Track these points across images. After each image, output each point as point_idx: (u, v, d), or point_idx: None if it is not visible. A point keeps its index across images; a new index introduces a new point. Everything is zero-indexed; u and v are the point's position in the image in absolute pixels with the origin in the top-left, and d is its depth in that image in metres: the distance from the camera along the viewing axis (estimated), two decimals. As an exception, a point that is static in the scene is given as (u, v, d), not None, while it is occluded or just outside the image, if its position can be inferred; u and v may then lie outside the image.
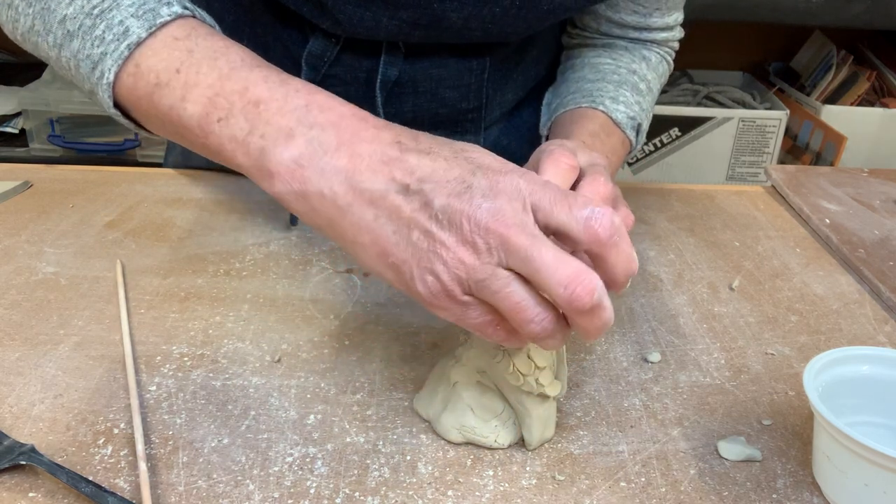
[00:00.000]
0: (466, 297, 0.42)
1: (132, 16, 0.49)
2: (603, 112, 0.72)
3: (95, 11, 0.50)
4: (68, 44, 0.52)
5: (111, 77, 0.49)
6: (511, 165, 0.44)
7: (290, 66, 0.76)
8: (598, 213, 0.41)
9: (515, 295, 0.41)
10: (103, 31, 0.50)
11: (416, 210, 0.42)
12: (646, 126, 0.76)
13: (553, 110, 0.77)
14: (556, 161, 0.50)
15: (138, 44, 0.49)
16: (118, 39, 0.49)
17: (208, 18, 0.53)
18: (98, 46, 0.50)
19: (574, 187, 0.51)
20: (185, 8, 0.51)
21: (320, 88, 0.47)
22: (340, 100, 0.47)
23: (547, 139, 0.75)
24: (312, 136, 0.44)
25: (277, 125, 0.45)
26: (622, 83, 0.75)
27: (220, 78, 0.47)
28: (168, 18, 0.49)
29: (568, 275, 0.40)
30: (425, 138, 0.45)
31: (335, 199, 0.44)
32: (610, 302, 0.42)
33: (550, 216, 0.42)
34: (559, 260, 0.40)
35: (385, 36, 0.72)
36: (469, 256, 0.41)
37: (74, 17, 0.51)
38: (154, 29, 0.49)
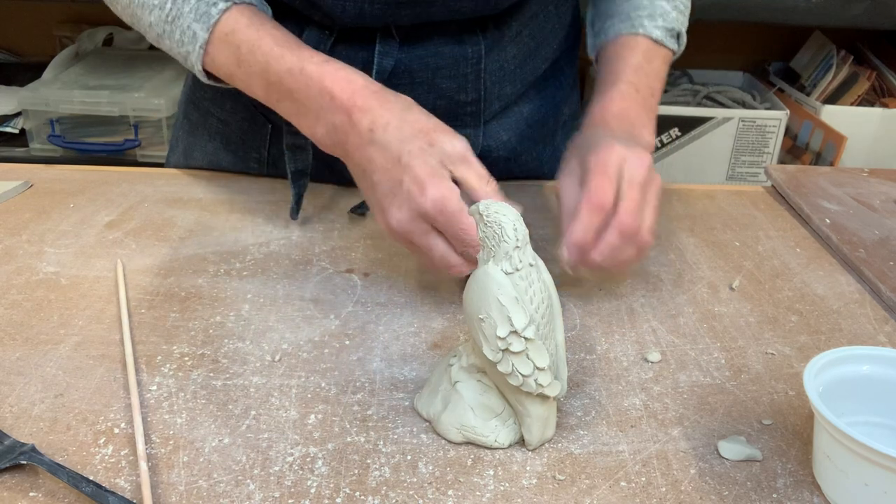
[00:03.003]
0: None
1: (194, 20, 0.67)
2: (643, 36, 0.77)
3: (169, 19, 0.68)
4: (161, 42, 0.70)
5: (200, 67, 0.68)
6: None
7: None
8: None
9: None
10: (180, 36, 0.68)
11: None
12: (684, 29, 0.80)
13: (596, 33, 0.82)
14: (592, 206, 0.62)
15: (205, 42, 0.66)
16: (192, 42, 0.67)
17: None
18: (181, 47, 0.68)
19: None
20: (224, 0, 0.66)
21: (330, 64, 0.64)
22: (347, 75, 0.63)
23: (596, 62, 0.82)
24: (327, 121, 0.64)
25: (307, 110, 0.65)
26: None
27: (263, 72, 0.65)
28: (217, 17, 0.66)
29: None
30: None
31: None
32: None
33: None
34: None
35: (373, 21, 0.73)
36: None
37: (157, 24, 0.69)
38: (211, 28, 0.66)
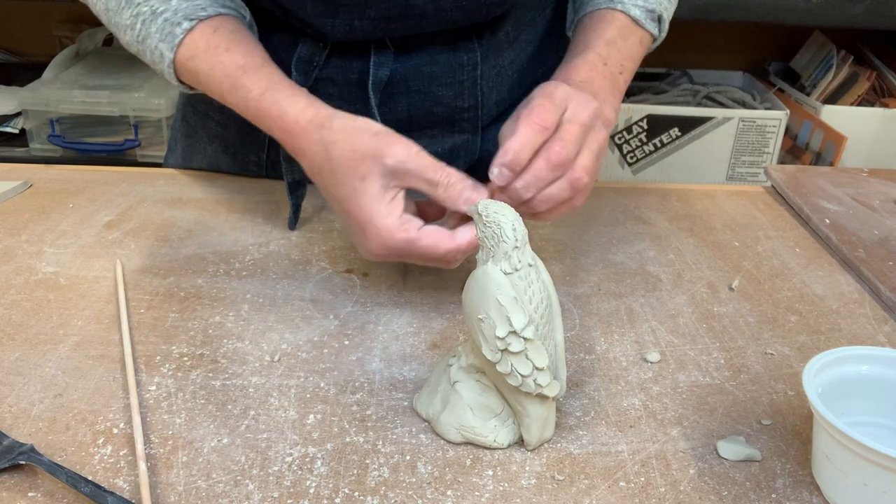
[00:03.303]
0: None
1: (160, 41, 0.67)
2: (621, 12, 0.73)
3: (139, 39, 0.68)
4: (142, 59, 0.71)
5: (176, 83, 0.70)
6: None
7: (283, 71, 0.77)
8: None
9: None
10: (150, 56, 0.68)
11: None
12: (668, 15, 0.77)
13: (577, 9, 0.79)
14: (531, 123, 0.59)
15: (172, 63, 0.67)
16: (161, 61, 0.68)
17: (202, 8, 0.67)
18: (155, 66, 0.69)
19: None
20: (189, 18, 0.66)
21: (266, 96, 0.64)
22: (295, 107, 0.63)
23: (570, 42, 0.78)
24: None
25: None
26: None
27: (223, 101, 0.67)
28: (181, 37, 0.66)
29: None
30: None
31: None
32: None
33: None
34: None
35: (364, 36, 0.73)
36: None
37: (131, 44, 0.70)
38: (175, 48, 0.66)
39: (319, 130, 0.61)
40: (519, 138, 0.58)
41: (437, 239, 0.58)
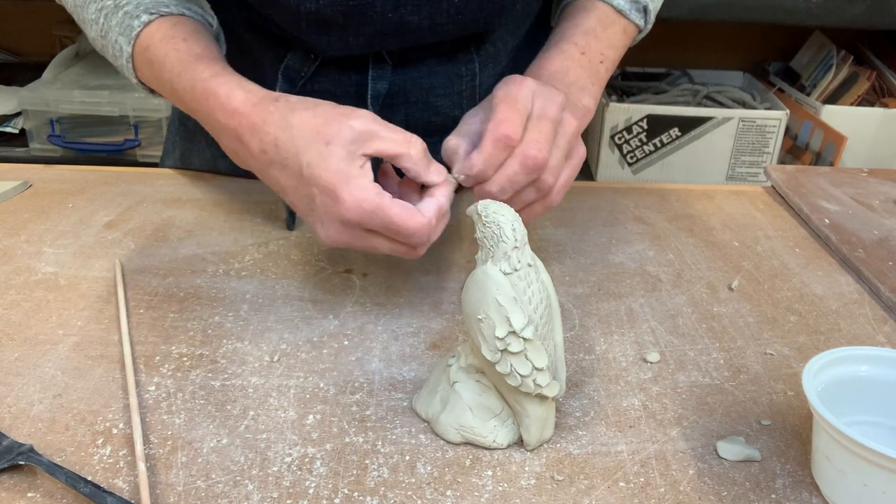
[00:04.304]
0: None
1: (119, 34, 0.65)
2: (603, 1, 0.72)
3: (102, 33, 0.67)
4: (104, 53, 0.69)
5: (135, 80, 0.68)
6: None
7: (272, 77, 0.77)
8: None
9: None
10: (112, 50, 0.67)
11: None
12: (654, 6, 0.75)
13: (559, 2, 0.77)
14: (497, 140, 0.57)
15: (130, 57, 0.65)
16: (120, 56, 0.66)
17: (164, 5, 0.65)
18: (116, 61, 0.67)
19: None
20: (149, 12, 0.64)
21: (216, 79, 0.60)
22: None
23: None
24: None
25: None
26: None
27: (172, 91, 0.64)
28: (138, 29, 0.64)
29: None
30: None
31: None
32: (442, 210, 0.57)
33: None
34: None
35: (360, 51, 0.73)
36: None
37: (96, 39, 0.68)
38: (133, 40, 0.64)
39: (275, 102, 0.57)
40: (483, 155, 0.57)
41: (409, 211, 0.54)
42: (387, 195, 0.54)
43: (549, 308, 0.51)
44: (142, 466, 0.48)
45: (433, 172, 0.57)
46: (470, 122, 0.61)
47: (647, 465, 0.50)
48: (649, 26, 0.76)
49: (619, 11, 0.72)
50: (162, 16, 0.64)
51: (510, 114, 0.57)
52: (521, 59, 0.83)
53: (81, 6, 0.68)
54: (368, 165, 0.55)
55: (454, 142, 0.60)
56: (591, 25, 0.70)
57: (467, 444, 0.51)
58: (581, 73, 0.67)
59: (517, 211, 0.57)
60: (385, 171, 0.62)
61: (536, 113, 0.58)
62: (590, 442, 0.52)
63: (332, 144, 0.54)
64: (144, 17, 0.64)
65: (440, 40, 0.74)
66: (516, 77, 0.60)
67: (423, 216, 0.55)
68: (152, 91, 0.68)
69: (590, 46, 0.69)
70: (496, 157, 0.57)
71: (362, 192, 0.53)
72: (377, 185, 0.55)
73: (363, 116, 0.55)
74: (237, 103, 0.57)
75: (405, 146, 0.55)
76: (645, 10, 0.74)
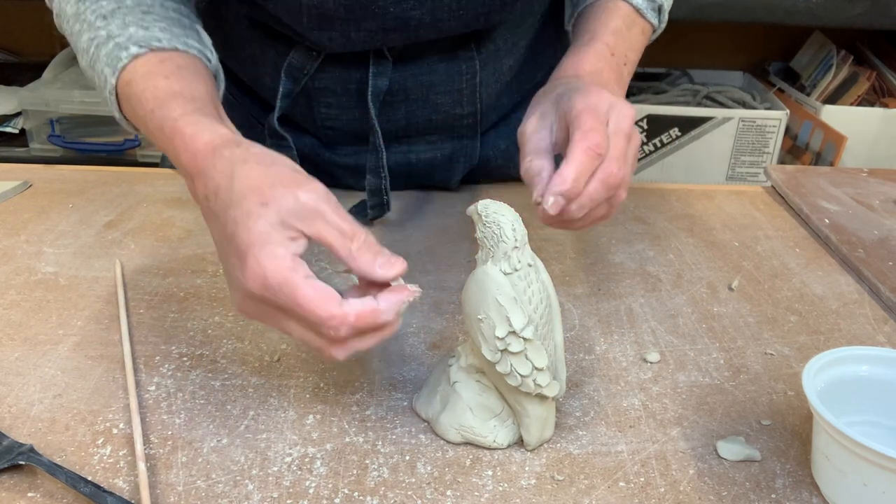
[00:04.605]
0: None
1: (106, 65, 0.62)
2: (624, 1, 0.71)
3: (90, 63, 0.63)
4: (92, 83, 0.65)
5: (118, 114, 0.63)
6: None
7: (274, 75, 0.77)
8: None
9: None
10: (98, 80, 0.63)
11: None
12: (668, 5, 0.75)
13: (575, 3, 0.76)
14: (587, 149, 0.54)
15: (114, 87, 0.61)
16: (105, 87, 0.62)
17: (157, 39, 0.62)
18: (102, 91, 0.63)
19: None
20: (140, 45, 0.61)
21: (185, 118, 0.55)
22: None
23: (572, 29, 0.75)
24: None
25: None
26: None
27: (146, 129, 0.60)
28: (126, 62, 0.60)
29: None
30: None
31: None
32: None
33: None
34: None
35: (362, 47, 0.73)
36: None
37: (86, 69, 0.65)
38: (117, 73, 0.61)
39: (233, 148, 0.51)
40: (576, 166, 0.54)
41: (323, 296, 0.45)
42: (303, 272, 0.46)
43: (549, 308, 0.51)
44: (142, 466, 0.48)
45: (381, 266, 0.48)
46: (537, 138, 0.59)
47: (647, 465, 0.50)
48: (663, 25, 0.75)
49: (639, 11, 0.72)
50: (153, 50, 0.60)
51: (595, 123, 0.56)
52: (523, 58, 0.83)
53: (77, 35, 0.65)
54: (302, 243, 0.47)
55: (537, 164, 0.58)
56: (617, 25, 0.70)
57: (467, 444, 0.51)
58: (612, 75, 0.67)
59: (580, 224, 0.57)
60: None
61: (612, 128, 0.57)
62: (590, 442, 0.52)
63: (266, 206, 0.47)
64: (133, 50, 0.60)
65: (441, 37, 0.74)
66: (593, 88, 0.59)
67: (337, 307, 0.45)
68: (137, 129, 0.64)
69: (618, 47, 0.69)
70: (587, 168, 0.55)
71: (272, 262, 0.46)
72: (298, 260, 0.47)
73: (315, 192, 0.48)
74: (200, 144, 0.53)
75: (345, 240, 0.48)
76: (660, 10, 0.74)
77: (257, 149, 0.51)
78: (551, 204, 0.54)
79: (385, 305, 0.47)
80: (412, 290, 0.48)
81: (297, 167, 0.51)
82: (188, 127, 0.54)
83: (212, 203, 0.50)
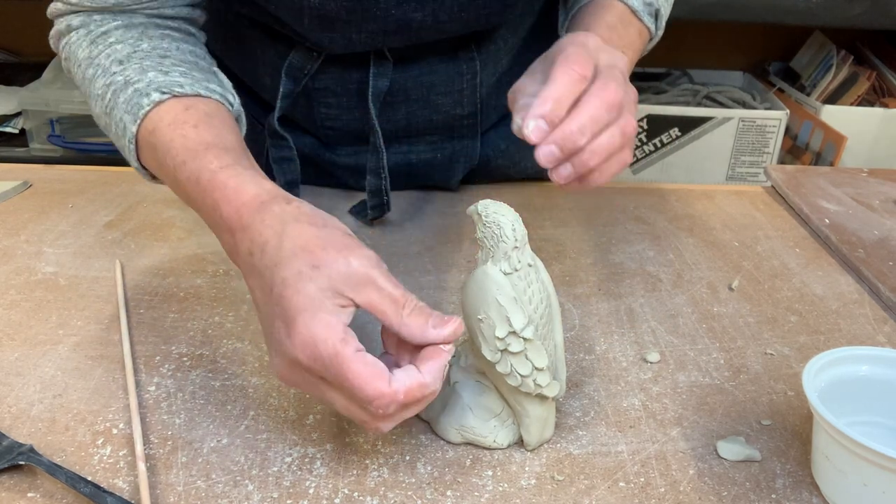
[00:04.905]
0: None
1: (125, 112, 0.60)
2: (620, 1, 0.70)
3: (107, 110, 0.62)
4: (107, 132, 0.64)
5: (136, 164, 0.62)
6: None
7: (275, 75, 0.77)
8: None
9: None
10: (115, 129, 0.61)
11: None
12: (665, 12, 0.74)
13: (569, 7, 0.75)
14: (569, 70, 0.52)
15: (134, 136, 0.59)
16: (123, 135, 0.60)
17: (179, 85, 0.60)
18: (118, 141, 0.62)
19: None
20: (161, 91, 0.59)
21: (226, 171, 0.53)
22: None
23: (565, 32, 0.73)
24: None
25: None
26: None
27: (174, 181, 0.57)
28: (147, 109, 0.58)
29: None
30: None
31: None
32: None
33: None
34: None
35: (363, 48, 0.73)
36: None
37: (100, 116, 0.63)
38: (139, 121, 0.59)
39: (283, 204, 0.49)
40: (558, 86, 0.51)
41: (373, 374, 0.44)
42: (353, 345, 0.44)
43: (549, 308, 0.51)
44: (142, 466, 0.48)
45: (435, 327, 0.47)
46: (528, 90, 0.55)
47: (647, 465, 0.50)
48: (660, 32, 0.74)
49: (635, 12, 0.71)
50: (175, 96, 0.58)
51: (580, 52, 0.53)
52: (522, 58, 0.83)
53: (90, 79, 0.63)
54: (350, 311, 0.46)
55: (525, 101, 0.54)
56: (612, 21, 0.68)
57: (467, 444, 0.51)
58: None
59: (596, 165, 0.53)
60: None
61: (605, 63, 0.54)
62: (590, 442, 0.52)
63: (318, 270, 0.46)
64: (155, 96, 0.58)
65: (442, 38, 0.74)
66: (580, 33, 0.57)
67: (387, 385, 0.44)
68: (154, 177, 0.62)
69: (612, 41, 0.65)
70: (570, 91, 0.51)
71: (324, 331, 0.44)
72: (349, 331, 0.45)
73: (368, 258, 0.47)
74: (246, 197, 0.50)
75: (397, 308, 0.46)
76: (657, 16, 0.73)
77: (308, 208, 0.50)
78: (532, 129, 0.51)
79: (430, 377, 0.45)
80: (448, 351, 0.47)
81: (348, 231, 0.49)
82: (231, 180, 0.52)
83: (256, 259, 0.48)
